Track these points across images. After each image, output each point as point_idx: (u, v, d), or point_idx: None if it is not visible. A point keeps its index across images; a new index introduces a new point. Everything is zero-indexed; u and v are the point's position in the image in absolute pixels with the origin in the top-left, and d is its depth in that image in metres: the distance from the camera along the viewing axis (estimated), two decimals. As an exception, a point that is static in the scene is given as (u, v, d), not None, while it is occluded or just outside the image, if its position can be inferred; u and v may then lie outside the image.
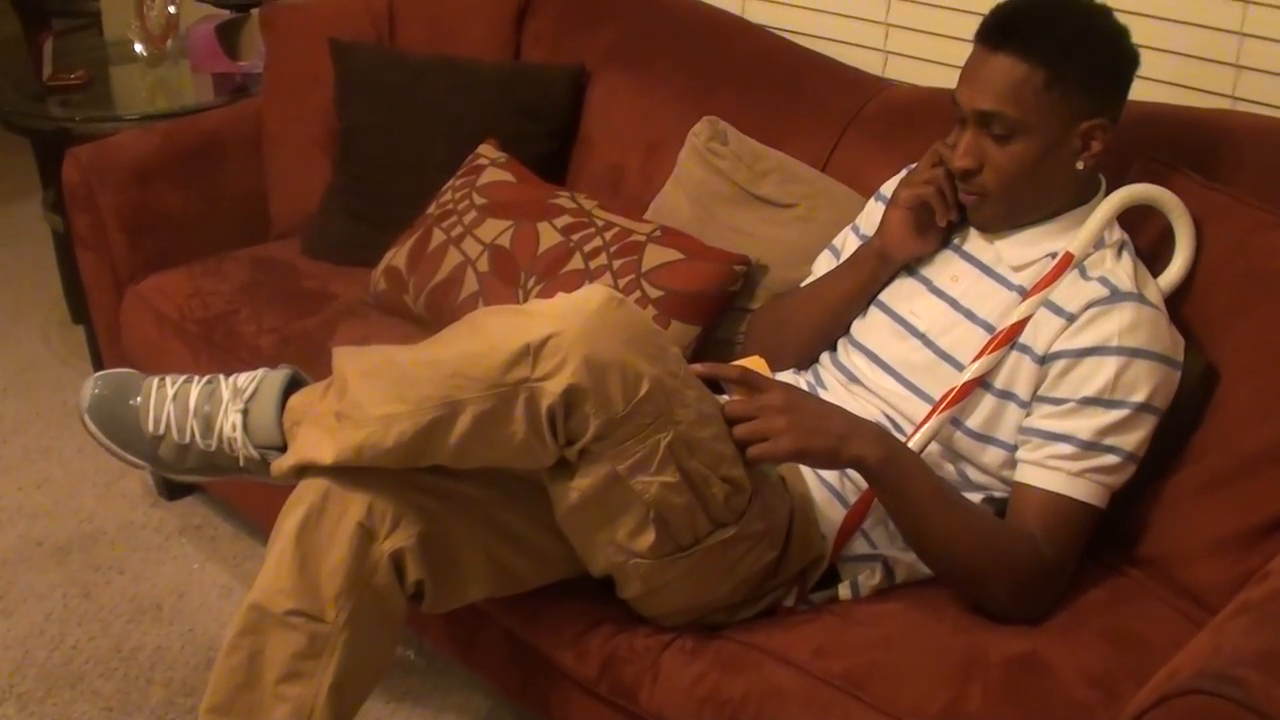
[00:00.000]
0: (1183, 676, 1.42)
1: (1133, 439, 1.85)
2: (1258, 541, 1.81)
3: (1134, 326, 1.85)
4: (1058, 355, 1.87)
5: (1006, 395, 1.92)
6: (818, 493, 1.98)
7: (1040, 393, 1.89)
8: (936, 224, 2.03)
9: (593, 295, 1.71)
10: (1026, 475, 1.88)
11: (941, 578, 1.91)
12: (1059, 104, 1.85)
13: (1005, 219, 1.98)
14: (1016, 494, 1.90)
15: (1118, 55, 1.91)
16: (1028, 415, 1.90)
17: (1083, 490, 1.85)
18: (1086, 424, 1.84)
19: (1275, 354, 1.87)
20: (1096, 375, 1.84)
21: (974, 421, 1.93)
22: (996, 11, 1.91)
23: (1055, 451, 1.86)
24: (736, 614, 1.91)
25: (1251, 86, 2.27)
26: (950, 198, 2.00)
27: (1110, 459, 1.85)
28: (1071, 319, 1.88)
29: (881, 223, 2.09)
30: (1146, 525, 1.95)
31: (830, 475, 1.98)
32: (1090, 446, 1.84)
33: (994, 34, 1.88)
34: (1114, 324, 1.85)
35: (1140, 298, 1.87)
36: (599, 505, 1.75)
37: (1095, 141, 1.90)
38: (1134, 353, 1.84)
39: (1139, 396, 1.84)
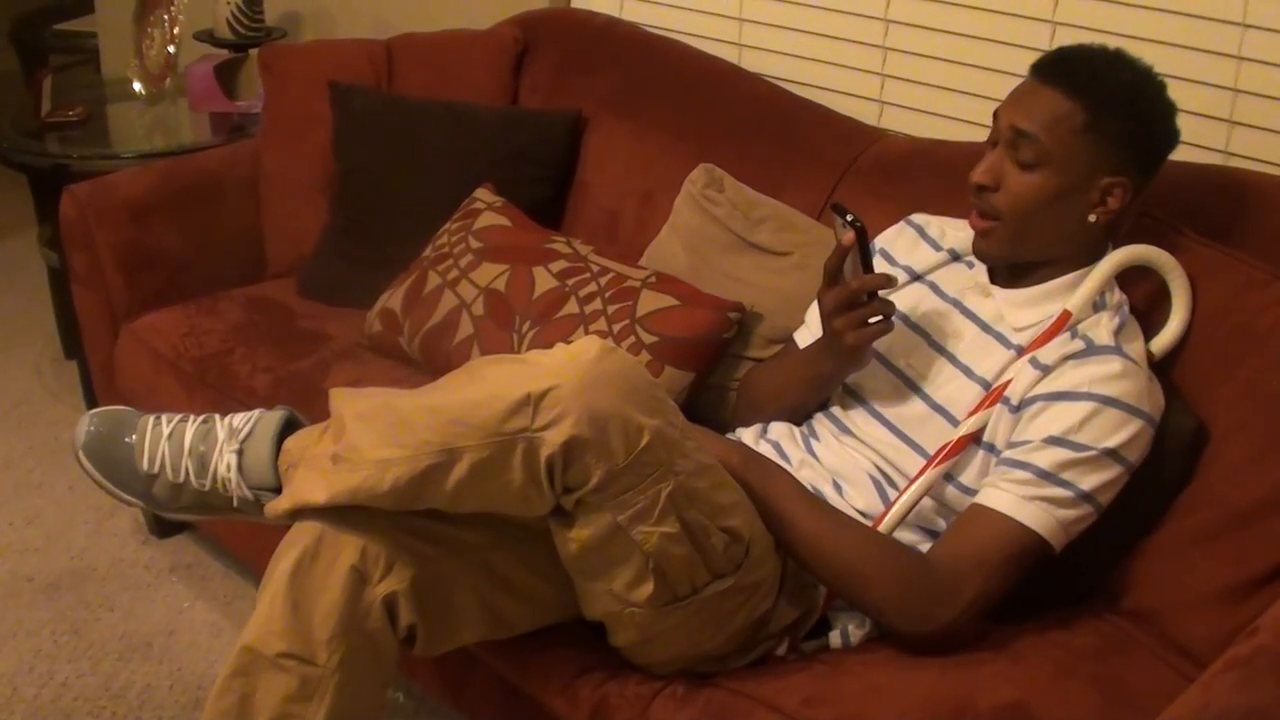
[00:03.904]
0: (1172, 732, 1.43)
1: (1091, 480, 1.84)
2: (1248, 596, 1.82)
3: (1107, 377, 1.86)
4: (1031, 401, 1.88)
5: (989, 448, 1.93)
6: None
7: (1012, 438, 1.89)
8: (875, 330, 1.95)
9: (589, 347, 1.72)
10: (978, 496, 1.88)
11: (824, 582, 1.91)
12: (1088, 148, 1.88)
13: (1010, 252, 1.99)
14: (963, 514, 1.89)
15: (1158, 124, 1.95)
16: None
17: (1029, 515, 1.83)
18: (1046, 457, 1.84)
19: (1265, 409, 1.88)
20: (1063, 417, 1.85)
21: (965, 476, 1.93)
22: (1056, 50, 1.98)
23: (1010, 476, 1.85)
24: (728, 663, 1.90)
25: (1245, 142, 2.29)
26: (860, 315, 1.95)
27: (1063, 492, 1.83)
28: (1047, 369, 1.89)
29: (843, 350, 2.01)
30: (1138, 579, 1.95)
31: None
32: (1045, 476, 1.83)
33: (1047, 68, 1.94)
34: (1086, 373, 1.86)
35: (1118, 349, 1.89)
36: (599, 555, 1.75)
37: (1112, 199, 1.92)
38: (1105, 400, 1.84)
39: (1106, 443, 1.84)
